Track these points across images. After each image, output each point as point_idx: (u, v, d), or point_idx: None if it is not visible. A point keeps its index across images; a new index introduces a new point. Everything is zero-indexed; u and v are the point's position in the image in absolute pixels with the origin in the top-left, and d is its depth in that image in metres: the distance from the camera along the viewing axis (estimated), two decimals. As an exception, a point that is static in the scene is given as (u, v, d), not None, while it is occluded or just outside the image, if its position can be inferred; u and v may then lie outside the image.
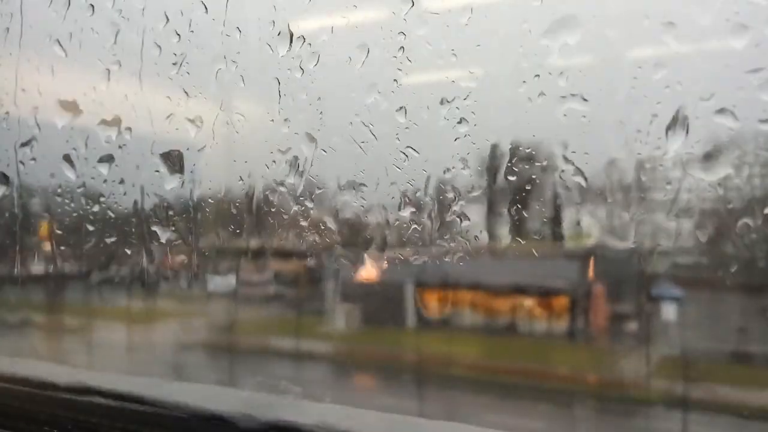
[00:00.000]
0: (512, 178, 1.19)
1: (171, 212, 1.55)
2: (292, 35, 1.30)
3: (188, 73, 1.43)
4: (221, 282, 1.77)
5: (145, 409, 1.27)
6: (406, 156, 1.25)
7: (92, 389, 1.36)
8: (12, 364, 1.60)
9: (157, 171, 1.50)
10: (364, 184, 1.30)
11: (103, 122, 1.55)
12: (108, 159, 1.56)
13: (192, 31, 1.41)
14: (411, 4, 1.18)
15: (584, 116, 1.09)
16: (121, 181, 1.57)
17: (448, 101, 1.19)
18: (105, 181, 1.58)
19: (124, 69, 1.52)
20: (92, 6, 1.55)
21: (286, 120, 1.34)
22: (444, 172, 1.24)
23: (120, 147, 1.55)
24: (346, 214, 1.36)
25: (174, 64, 1.43)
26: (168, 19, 1.43)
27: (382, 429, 1.15)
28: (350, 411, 1.20)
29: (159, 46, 1.45)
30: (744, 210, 1.02)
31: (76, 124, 1.62)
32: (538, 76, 1.10)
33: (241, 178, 1.44)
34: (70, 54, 1.61)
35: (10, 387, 1.44)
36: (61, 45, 1.60)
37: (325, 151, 1.32)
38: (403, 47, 1.20)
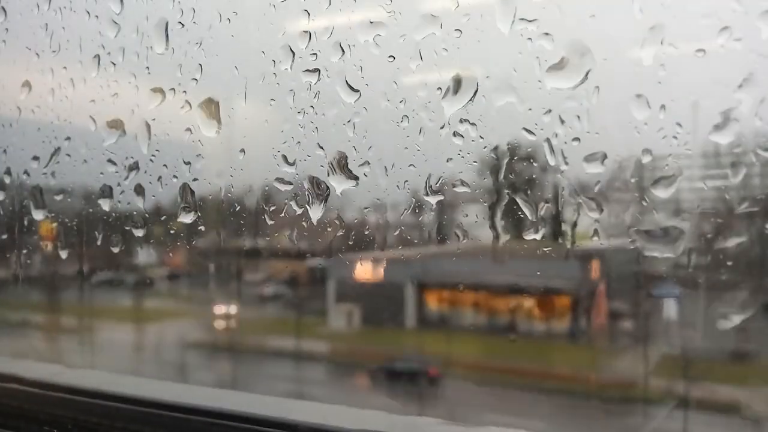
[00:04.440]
0: (512, 178, 1.19)
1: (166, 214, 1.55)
2: (292, 37, 1.30)
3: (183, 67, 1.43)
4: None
5: (145, 409, 1.27)
6: (406, 156, 1.25)
7: (92, 389, 1.36)
8: (12, 364, 1.60)
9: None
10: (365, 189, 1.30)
11: (106, 122, 1.56)
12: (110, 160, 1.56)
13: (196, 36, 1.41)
14: (404, 8, 1.18)
15: (584, 116, 1.09)
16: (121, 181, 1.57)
17: (448, 101, 1.19)
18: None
19: (122, 68, 1.52)
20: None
21: (286, 121, 1.34)
22: (444, 172, 1.24)
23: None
24: (347, 215, 1.36)
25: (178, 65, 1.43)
26: (167, 20, 1.43)
27: (382, 429, 1.15)
28: (350, 411, 1.20)
29: (160, 46, 1.45)
30: (744, 209, 1.02)
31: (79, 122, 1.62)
32: (540, 82, 1.10)
33: (232, 175, 1.44)
34: (72, 52, 1.61)
35: (10, 387, 1.44)
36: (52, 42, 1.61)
37: (323, 149, 1.32)
38: (402, 47, 1.20)
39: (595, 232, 1.17)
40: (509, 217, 1.22)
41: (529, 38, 1.10)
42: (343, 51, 1.25)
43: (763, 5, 0.92)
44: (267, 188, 1.41)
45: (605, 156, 1.09)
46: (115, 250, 1.66)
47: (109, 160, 1.56)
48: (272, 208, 1.42)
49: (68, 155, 1.64)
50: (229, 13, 1.37)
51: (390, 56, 1.21)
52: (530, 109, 1.13)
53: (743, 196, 1.01)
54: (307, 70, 1.29)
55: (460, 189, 1.22)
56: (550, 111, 1.11)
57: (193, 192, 1.48)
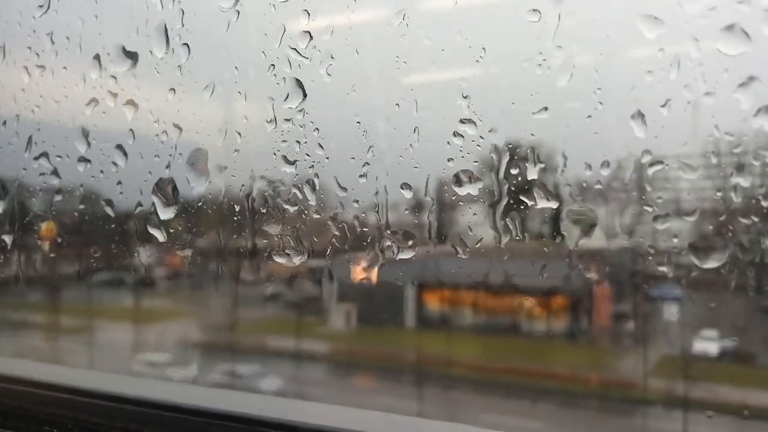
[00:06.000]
0: (512, 178, 1.19)
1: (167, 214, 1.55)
2: (292, 37, 1.30)
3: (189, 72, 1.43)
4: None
5: (145, 409, 1.27)
6: (406, 155, 1.25)
7: (92, 389, 1.36)
8: (12, 364, 1.60)
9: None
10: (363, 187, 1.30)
11: (106, 122, 1.56)
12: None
13: (191, 32, 1.41)
14: (404, 8, 1.18)
15: (585, 116, 1.09)
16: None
17: (448, 101, 1.19)
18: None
19: (122, 68, 1.52)
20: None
21: (287, 120, 1.34)
22: (444, 171, 1.24)
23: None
24: (348, 215, 1.36)
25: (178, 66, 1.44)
26: (167, 21, 1.43)
27: (382, 429, 1.15)
28: (350, 411, 1.20)
29: (161, 46, 1.45)
30: (744, 210, 1.02)
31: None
32: (540, 81, 1.11)
33: (233, 175, 1.44)
34: (72, 52, 1.61)
35: (10, 387, 1.44)
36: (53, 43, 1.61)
37: (323, 148, 1.32)
38: (402, 47, 1.20)
39: (595, 232, 1.17)
40: (509, 217, 1.22)
41: (530, 38, 1.10)
42: (344, 51, 1.25)
43: (764, 5, 0.92)
44: (266, 188, 1.41)
45: (605, 157, 1.09)
46: (116, 250, 1.66)
47: (113, 161, 1.56)
48: (271, 209, 1.42)
49: (68, 156, 1.64)
50: (230, 13, 1.37)
51: (390, 56, 1.21)
52: (531, 111, 1.13)
53: (744, 196, 1.01)
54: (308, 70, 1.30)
55: (460, 189, 1.22)
56: (549, 110, 1.12)
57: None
